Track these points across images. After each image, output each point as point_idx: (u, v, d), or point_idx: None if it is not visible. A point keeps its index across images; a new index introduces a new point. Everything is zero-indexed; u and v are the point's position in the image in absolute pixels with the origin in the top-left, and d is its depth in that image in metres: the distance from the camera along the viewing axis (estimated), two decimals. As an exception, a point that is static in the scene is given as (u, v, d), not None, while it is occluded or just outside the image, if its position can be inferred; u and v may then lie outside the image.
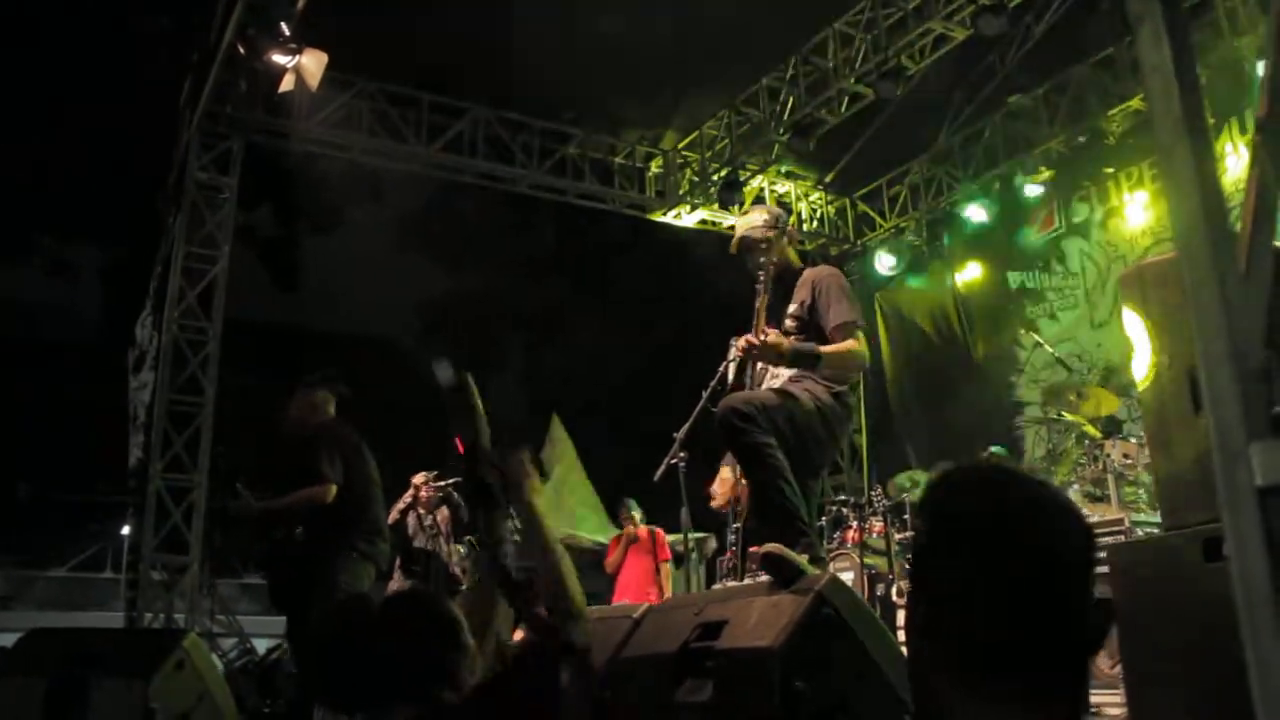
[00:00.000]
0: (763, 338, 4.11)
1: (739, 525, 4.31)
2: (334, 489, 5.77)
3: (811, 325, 4.35)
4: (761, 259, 4.27)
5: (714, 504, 4.40)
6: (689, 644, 3.46)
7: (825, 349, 4.20)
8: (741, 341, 4.21)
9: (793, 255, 4.54)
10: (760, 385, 4.37)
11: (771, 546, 3.63)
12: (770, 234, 4.43)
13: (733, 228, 4.59)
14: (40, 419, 20.25)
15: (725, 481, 4.52)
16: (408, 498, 9.00)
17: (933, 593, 1.18)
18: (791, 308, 4.38)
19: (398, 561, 8.78)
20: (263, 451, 6.77)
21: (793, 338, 4.32)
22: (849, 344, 4.23)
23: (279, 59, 8.75)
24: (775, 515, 3.98)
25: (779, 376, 4.30)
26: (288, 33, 8.64)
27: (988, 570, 1.09)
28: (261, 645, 9.31)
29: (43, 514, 19.88)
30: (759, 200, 12.24)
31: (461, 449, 2.84)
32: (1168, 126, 0.98)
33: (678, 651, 3.48)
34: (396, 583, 8.73)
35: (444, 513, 9.15)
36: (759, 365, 4.35)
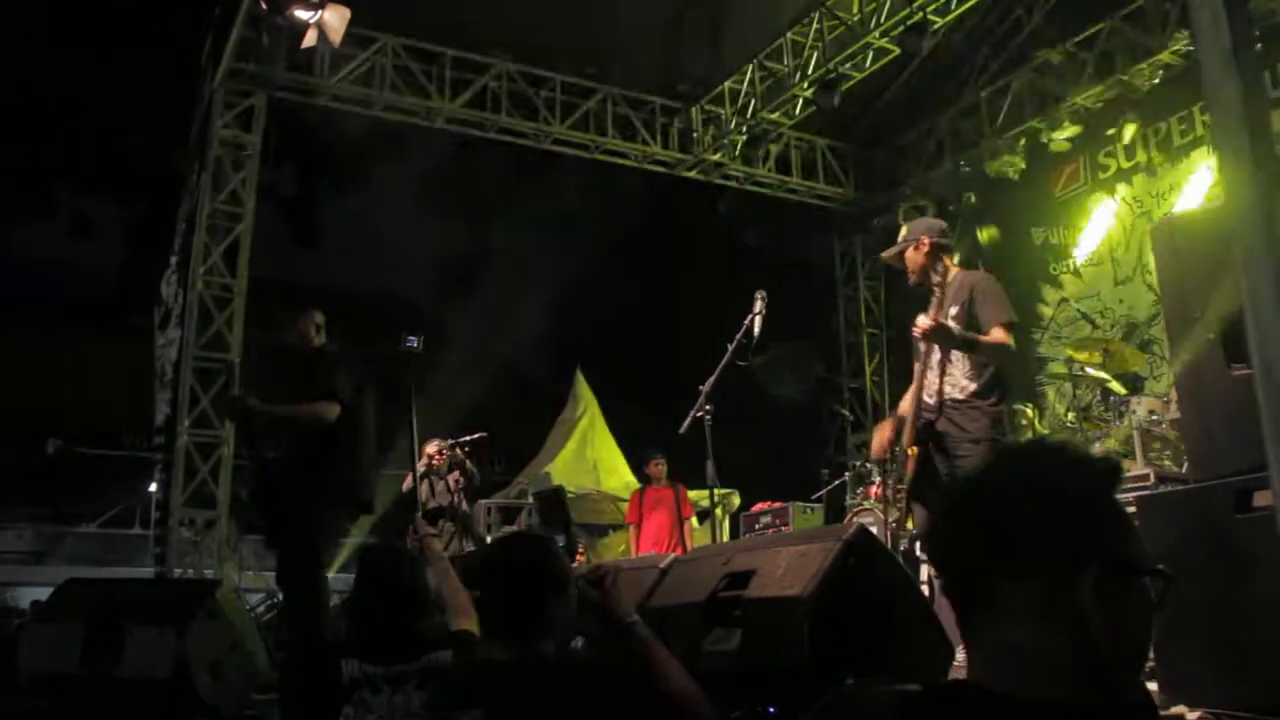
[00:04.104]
0: (939, 320, 4.69)
1: (894, 466, 5.01)
2: (339, 408, 5.26)
3: (970, 327, 4.81)
4: (938, 272, 4.78)
5: (872, 454, 5.04)
6: (717, 593, 3.50)
7: (983, 337, 4.77)
8: (922, 320, 4.73)
9: (952, 264, 5.02)
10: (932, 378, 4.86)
11: None
12: (942, 242, 5.01)
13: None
14: (67, 377, 20.44)
15: (881, 434, 5.20)
16: (422, 465, 9.01)
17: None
18: (953, 310, 4.85)
19: (411, 528, 8.80)
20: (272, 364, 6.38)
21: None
22: (1003, 336, 4.78)
23: (301, 14, 8.72)
24: None
25: (955, 384, 4.80)
26: (310, -13, 8.61)
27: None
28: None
29: (71, 471, 20.07)
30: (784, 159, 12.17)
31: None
32: (1216, 62, 0.94)
33: (705, 601, 3.51)
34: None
35: (454, 476, 9.20)
36: (932, 358, 4.84)
